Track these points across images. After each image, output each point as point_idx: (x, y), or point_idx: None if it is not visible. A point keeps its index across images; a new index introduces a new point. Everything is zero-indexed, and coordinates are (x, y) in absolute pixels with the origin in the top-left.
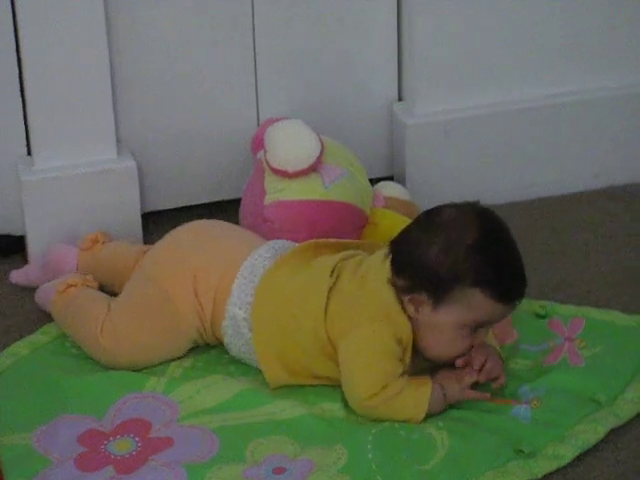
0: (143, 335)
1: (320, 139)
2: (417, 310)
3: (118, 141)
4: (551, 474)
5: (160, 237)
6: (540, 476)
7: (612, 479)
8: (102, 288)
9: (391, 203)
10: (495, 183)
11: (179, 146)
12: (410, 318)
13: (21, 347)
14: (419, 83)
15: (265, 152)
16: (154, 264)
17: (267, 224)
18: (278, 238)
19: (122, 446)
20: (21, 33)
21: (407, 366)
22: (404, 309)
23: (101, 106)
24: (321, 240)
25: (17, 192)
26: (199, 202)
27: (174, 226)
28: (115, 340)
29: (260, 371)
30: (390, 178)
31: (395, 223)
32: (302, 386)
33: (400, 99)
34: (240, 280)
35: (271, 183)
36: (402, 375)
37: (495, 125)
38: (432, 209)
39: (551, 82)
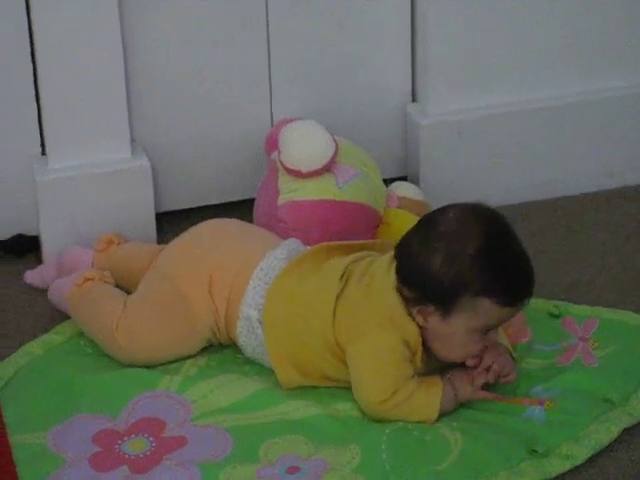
0: (158, 333)
1: (334, 139)
2: (426, 320)
3: (132, 141)
4: (564, 474)
5: (174, 237)
6: (554, 476)
7: (626, 479)
8: (118, 288)
9: (405, 203)
10: (508, 183)
11: (193, 146)
12: (419, 326)
13: (35, 347)
14: (433, 84)
15: (279, 152)
16: (170, 262)
17: (281, 224)
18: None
19: (136, 446)
20: (35, 33)
21: (418, 368)
22: (412, 317)
23: (115, 106)
24: (333, 243)
25: (31, 192)
26: (213, 202)
27: (188, 226)
28: (130, 337)
29: (273, 371)
30: (404, 178)
31: (409, 223)
32: (316, 387)
33: (414, 100)
34: (255, 282)
35: (285, 183)
36: (413, 376)
37: (508, 125)
38: (432, 215)
39: (564, 82)
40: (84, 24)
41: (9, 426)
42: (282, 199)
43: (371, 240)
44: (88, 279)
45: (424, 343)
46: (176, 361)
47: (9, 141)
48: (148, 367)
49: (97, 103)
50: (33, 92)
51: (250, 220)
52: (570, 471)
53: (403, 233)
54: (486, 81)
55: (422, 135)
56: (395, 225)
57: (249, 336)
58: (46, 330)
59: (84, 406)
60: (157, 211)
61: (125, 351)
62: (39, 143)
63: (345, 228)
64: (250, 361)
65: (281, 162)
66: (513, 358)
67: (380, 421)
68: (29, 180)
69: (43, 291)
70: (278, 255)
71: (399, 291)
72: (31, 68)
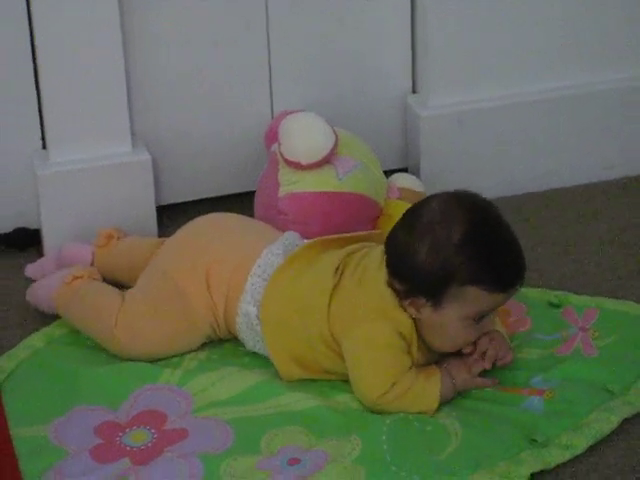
0: (157, 329)
1: (334, 131)
2: (418, 311)
3: (133, 135)
4: (564, 463)
5: (175, 230)
6: (553, 465)
7: (626, 468)
8: (119, 283)
9: (405, 194)
10: (509, 174)
11: (193, 139)
12: (413, 318)
13: (37, 339)
14: (433, 75)
15: (279, 144)
16: (169, 258)
17: (281, 216)
18: (292, 230)
19: (138, 437)
20: (36, 28)
21: (415, 359)
22: (405, 309)
23: (116, 100)
24: (328, 236)
25: (32, 186)
26: (213, 195)
27: (188, 219)
28: (129, 333)
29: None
30: (404, 170)
31: None
32: (316, 379)
33: (414, 91)
34: (253, 278)
35: (285, 175)
36: (410, 368)
37: (509, 117)
38: (416, 206)
39: (563, 74)
40: (85, 19)
41: (11, 419)
42: (282, 191)
43: (368, 231)
44: (77, 277)
45: (419, 334)
46: (176, 356)
47: (10, 135)
48: (149, 361)
49: (98, 97)
50: (34, 86)
51: (251, 213)
52: (570, 460)
53: None
54: (486, 73)
55: (422, 126)
56: (396, 216)
57: (248, 332)
58: (48, 323)
59: (85, 399)
60: (158, 204)
61: (125, 347)
62: (40, 137)
63: (345, 220)
64: (250, 353)
65: (281, 154)
66: (508, 343)
67: (380, 412)
68: (30, 174)
69: None
70: (275, 250)
71: (390, 284)
72: (32, 63)
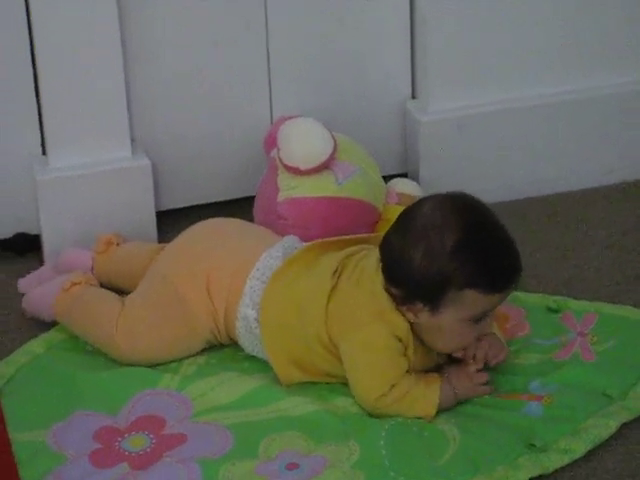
0: (157, 335)
1: (333, 136)
2: (416, 316)
3: (132, 140)
4: (563, 468)
5: (174, 236)
6: (551, 470)
7: (624, 473)
8: (118, 289)
9: (404, 199)
10: (509, 179)
11: (193, 144)
12: (410, 321)
13: (36, 345)
14: (432, 81)
15: (278, 149)
16: (168, 264)
17: (280, 221)
18: (291, 234)
19: (136, 442)
20: (35, 33)
21: (412, 361)
22: (401, 312)
23: (115, 105)
24: (327, 239)
25: (32, 191)
26: (213, 200)
27: (188, 224)
28: (130, 339)
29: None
30: (404, 175)
31: None
32: (315, 383)
33: (414, 97)
34: (252, 281)
35: (284, 180)
36: (409, 372)
37: (508, 122)
38: (409, 210)
39: (563, 79)
40: (84, 23)
41: (10, 424)
42: (281, 196)
43: (367, 234)
44: (75, 283)
45: (418, 337)
46: (176, 360)
47: (10, 140)
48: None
49: (97, 102)
50: (33, 91)
51: (251, 218)
52: (568, 465)
53: None
54: (486, 78)
55: (422, 132)
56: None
57: (247, 336)
58: (47, 329)
59: (85, 404)
60: (157, 210)
61: (125, 353)
62: (39, 142)
63: (344, 225)
64: (249, 358)
65: (280, 159)
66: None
67: (379, 417)
68: (30, 179)
69: None
70: (274, 254)
71: (387, 289)
72: (31, 68)
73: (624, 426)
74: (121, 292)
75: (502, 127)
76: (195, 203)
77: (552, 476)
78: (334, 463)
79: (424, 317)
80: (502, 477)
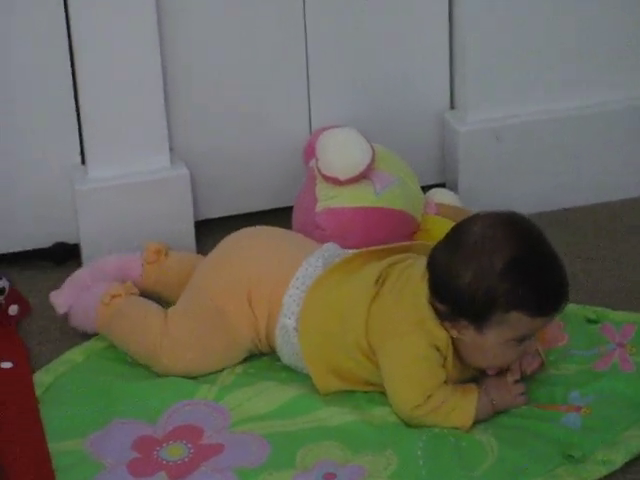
0: (201, 347)
1: (371, 146)
2: (460, 332)
3: (171, 150)
4: (601, 479)
5: (213, 246)
6: None
7: None
8: (165, 300)
9: (442, 210)
10: (547, 189)
11: (231, 154)
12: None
13: (76, 354)
14: (471, 91)
15: (317, 160)
16: (208, 276)
17: (318, 231)
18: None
19: (174, 452)
20: (75, 45)
21: (450, 373)
22: (443, 326)
23: (154, 115)
24: (370, 248)
25: (71, 201)
26: (252, 210)
27: (227, 234)
28: (174, 353)
29: (311, 377)
30: (442, 185)
31: (447, 230)
32: (353, 392)
33: (452, 107)
34: (292, 291)
35: (323, 190)
36: (446, 382)
37: (547, 132)
38: (460, 227)
39: (603, 89)
40: (123, 35)
41: (48, 433)
42: (320, 206)
43: (411, 242)
44: (115, 296)
45: (457, 351)
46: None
47: (50, 150)
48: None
49: (136, 113)
50: (73, 102)
51: (289, 228)
52: (606, 476)
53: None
54: (524, 88)
55: (460, 142)
56: (433, 232)
57: (285, 345)
58: (87, 338)
59: (123, 413)
60: (196, 219)
61: (168, 366)
62: (79, 152)
63: (383, 235)
64: (287, 368)
65: (318, 169)
66: (543, 360)
67: (416, 427)
68: (69, 189)
69: None
70: (313, 262)
71: (431, 303)
72: (71, 78)
73: None
74: (166, 302)
75: (540, 137)
76: (234, 213)
77: None
78: (371, 473)
79: (468, 335)
80: None
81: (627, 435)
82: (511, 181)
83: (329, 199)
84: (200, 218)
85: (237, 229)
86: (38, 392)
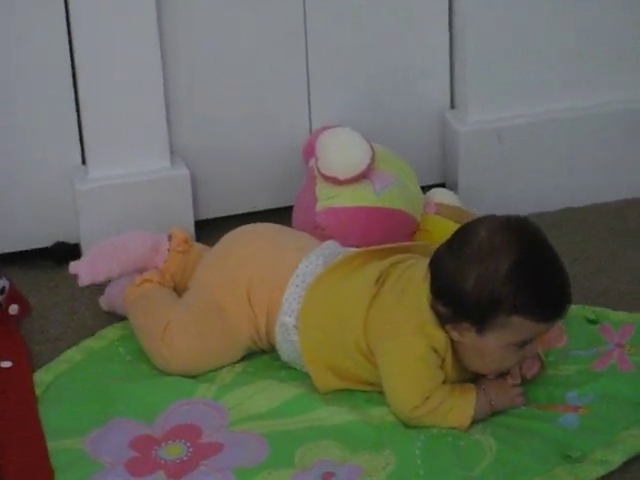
0: (200, 344)
1: (371, 146)
2: (461, 335)
3: (171, 150)
4: (599, 479)
5: (213, 245)
6: None
7: None
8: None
9: (442, 210)
10: (547, 190)
11: (232, 154)
12: (452, 339)
13: (75, 353)
14: (471, 91)
15: (316, 159)
16: (208, 273)
17: (318, 231)
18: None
19: (173, 451)
20: (75, 44)
21: (448, 374)
22: (444, 328)
23: (154, 115)
24: (371, 247)
25: (72, 201)
26: (252, 210)
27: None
28: (173, 348)
29: (310, 376)
30: (442, 185)
31: (447, 230)
32: (352, 392)
33: (453, 107)
34: (291, 288)
35: (323, 190)
36: (444, 383)
37: (547, 132)
38: (464, 230)
39: (602, 89)
40: (123, 35)
41: (47, 431)
42: (320, 206)
43: (412, 242)
44: (147, 280)
45: (455, 353)
46: (216, 368)
47: (50, 150)
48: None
49: (137, 113)
50: (73, 102)
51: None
52: (604, 476)
53: (441, 240)
54: (525, 88)
55: (461, 142)
56: (433, 232)
57: (285, 343)
58: (87, 336)
59: (121, 412)
60: (196, 219)
61: (169, 362)
62: (79, 152)
63: (382, 235)
64: (286, 367)
65: (318, 169)
66: (542, 362)
67: (414, 427)
68: (70, 189)
69: (85, 299)
70: (314, 260)
71: (432, 305)
72: (71, 79)
73: None
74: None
75: (541, 137)
76: (234, 212)
77: None
78: (370, 472)
79: (469, 337)
80: None
81: (625, 435)
82: (511, 181)
83: (329, 199)
84: (200, 218)
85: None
86: (38, 391)
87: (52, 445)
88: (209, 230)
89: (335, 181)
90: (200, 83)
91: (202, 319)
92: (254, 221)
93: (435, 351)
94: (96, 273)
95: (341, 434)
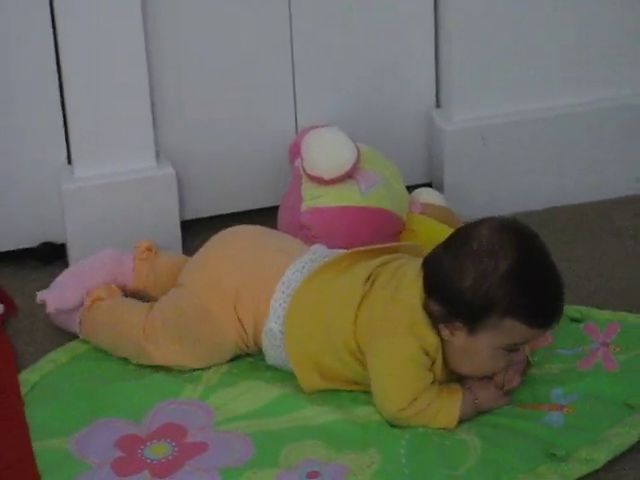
0: (185, 345)
1: (356, 146)
2: (452, 334)
3: (157, 150)
4: (584, 478)
5: (198, 245)
6: None
7: None
8: (154, 297)
9: (428, 209)
10: (533, 189)
11: (217, 154)
12: (442, 339)
13: (61, 354)
14: (457, 90)
15: (302, 159)
16: (194, 277)
17: (304, 230)
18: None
19: (158, 451)
20: (61, 45)
21: (438, 376)
22: (435, 329)
23: (140, 115)
24: (358, 248)
25: (58, 200)
26: (238, 210)
27: (213, 234)
28: (158, 346)
29: (295, 376)
30: (428, 185)
31: (432, 229)
32: (337, 391)
33: (438, 106)
34: (277, 295)
35: (308, 190)
36: (432, 383)
37: (533, 131)
38: (464, 230)
39: (588, 89)
40: (109, 35)
41: (33, 431)
42: (305, 205)
43: (398, 243)
44: (97, 299)
45: (444, 356)
46: (200, 369)
47: (36, 150)
48: (172, 373)
49: (122, 112)
50: (59, 101)
51: (275, 227)
52: (589, 475)
53: (427, 239)
54: (510, 88)
55: (446, 141)
56: (418, 231)
57: (271, 348)
58: (73, 338)
59: (107, 412)
60: (182, 219)
61: (158, 359)
62: (65, 152)
63: (368, 234)
64: (272, 367)
65: (303, 168)
66: (529, 362)
67: (400, 426)
68: (56, 188)
69: None
70: (300, 268)
71: (425, 305)
72: (57, 78)
73: None
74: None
75: (527, 137)
76: (220, 213)
77: None
78: (355, 471)
79: (460, 337)
80: None
81: (610, 433)
82: (496, 180)
83: (314, 198)
84: (186, 217)
85: (223, 229)
86: (24, 391)
87: (38, 445)
88: (195, 230)
89: (320, 181)
90: (186, 83)
91: (188, 320)
92: (240, 221)
93: (426, 353)
94: (64, 301)
95: (326, 433)
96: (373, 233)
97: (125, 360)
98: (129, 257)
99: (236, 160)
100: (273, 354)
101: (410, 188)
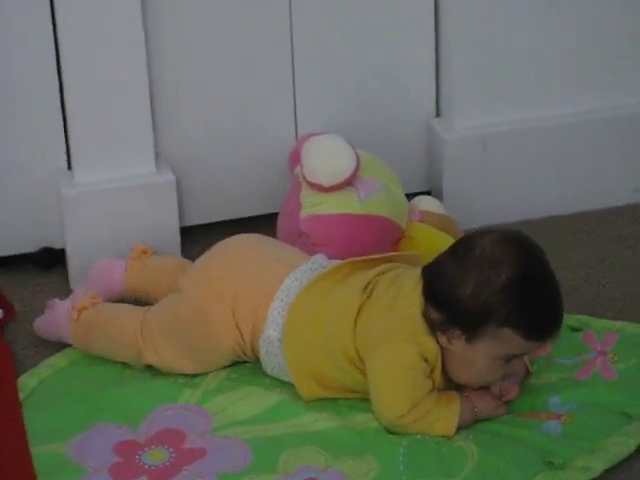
0: (182, 350)
1: (356, 153)
2: (450, 342)
3: (157, 155)
4: None
5: (198, 251)
6: None
7: None
8: (143, 300)
9: (427, 217)
10: (533, 197)
11: (217, 160)
12: (441, 347)
13: (59, 358)
14: (457, 98)
15: (301, 166)
16: (195, 282)
17: (303, 238)
18: (314, 252)
19: (156, 456)
20: (62, 49)
21: (438, 383)
22: (436, 338)
23: (140, 121)
24: (357, 258)
25: (57, 205)
26: (237, 216)
27: (212, 240)
28: (155, 350)
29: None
30: (428, 193)
31: (431, 237)
32: (335, 399)
33: (438, 114)
34: (276, 303)
35: (307, 197)
36: (431, 391)
37: (533, 140)
38: (468, 240)
39: (589, 97)
40: (109, 40)
41: (31, 436)
42: (304, 213)
43: (396, 253)
44: (82, 309)
45: (443, 364)
46: (198, 374)
47: (35, 155)
48: (170, 378)
49: (122, 118)
50: (59, 107)
51: (274, 234)
52: None
53: (426, 247)
54: (510, 96)
55: (446, 150)
56: (418, 239)
57: (269, 357)
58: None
59: (105, 417)
60: (181, 225)
61: (155, 363)
62: (65, 157)
63: (367, 242)
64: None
65: (303, 176)
66: (529, 372)
67: (398, 433)
68: (55, 194)
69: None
70: (299, 276)
71: (424, 313)
72: (57, 83)
73: None
74: (143, 303)
75: (526, 145)
76: (219, 219)
77: None
78: (352, 478)
79: (458, 345)
80: None
81: (607, 443)
82: (496, 189)
83: (313, 206)
84: (185, 224)
85: (223, 235)
86: (22, 396)
87: (35, 450)
88: (194, 237)
89: (320, 188)
90: (186, 89)
91: (184, 322)
92: (240, 228)
93: (425, 360)
94: None
95: (324, 440)
96: (372, 241)
97: (123, 365)
98: (121, 263)
99: (236, 167)
100: (270, 362)
101: (409, 196)
